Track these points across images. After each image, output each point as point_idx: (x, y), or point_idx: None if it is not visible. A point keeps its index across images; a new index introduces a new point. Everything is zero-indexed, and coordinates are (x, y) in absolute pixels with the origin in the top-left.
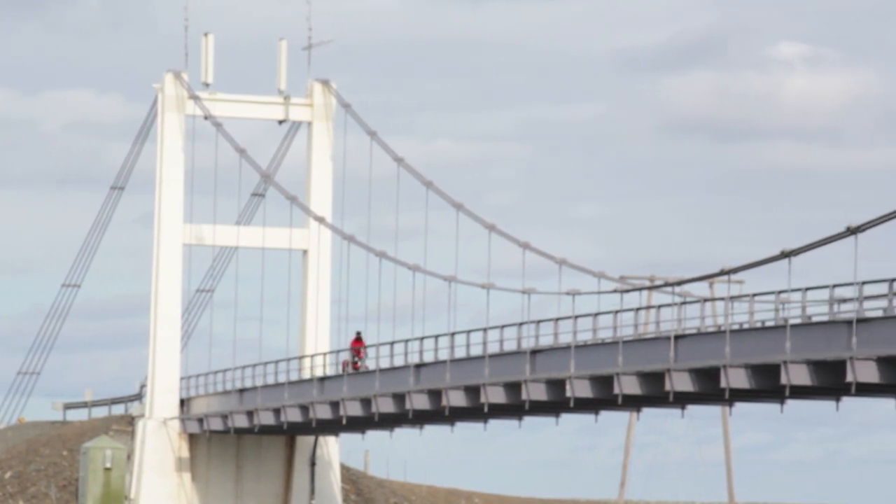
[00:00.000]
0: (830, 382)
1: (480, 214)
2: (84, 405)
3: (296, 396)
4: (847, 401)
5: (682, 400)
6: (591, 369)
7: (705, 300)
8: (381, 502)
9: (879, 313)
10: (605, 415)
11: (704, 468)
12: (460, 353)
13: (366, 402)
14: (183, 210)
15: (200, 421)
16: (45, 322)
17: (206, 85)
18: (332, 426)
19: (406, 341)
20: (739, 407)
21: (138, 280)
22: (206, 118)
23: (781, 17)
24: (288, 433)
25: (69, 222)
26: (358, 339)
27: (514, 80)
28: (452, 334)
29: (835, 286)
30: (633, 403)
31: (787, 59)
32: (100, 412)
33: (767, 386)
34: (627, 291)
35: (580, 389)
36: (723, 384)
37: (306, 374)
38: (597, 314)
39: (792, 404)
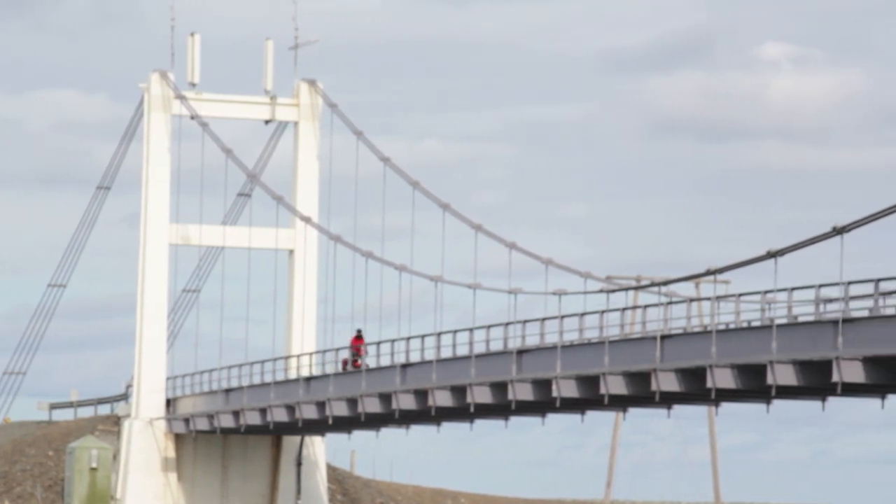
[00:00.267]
0: (816, 382)
1: (467, 214)
2: (70, 405)
3: (282, 396)
4: (833, 401)
5: (668, 400)
6: (578, 369)
7: (691, 300)
8: (367, 502)
9: (865, 313)
10: (592, 415)
11: (690, 468)
12: (447, 353)
13: (352, 402)
14: (169, 210)
15: (186, 421)
16: (31, 322)
17: (193, 85)
18: (319, 426)
19: (392, 341)
20: (725, 407)
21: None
22: (192, 118)
23: (768, 17)
24: (274, 433)
25: (55, 222)
26: (358, 338)
27: (501, 80)
28: (439, 334)
29: (821, 286)
30: (619, 403)
31: (773, 59)
32: (86, 412)
33: (753, 386)
34: (614, 291)
35: (566, 389)
36: (709, 384)
37: (292, 374)
38: (583, 314)
39: (778, 404)
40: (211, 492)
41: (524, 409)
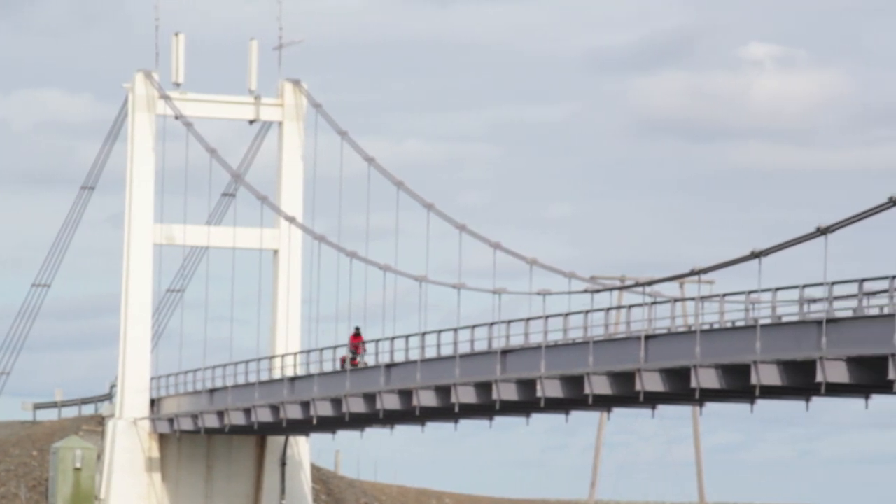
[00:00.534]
0: (800, 382)
1: (451, 214)
2: (54, 405)
3: (266, 396)
4: (817, 401)
5: (652, 400)
6: (562, 369)
7: (676, 300)
8: (351, 502)
9: (849, 313)
10: (576, 415)
11: (675, 468)
12: (431, 353)
13: (336, 402)
14: (153, 210)
15: (171, 421)
16: (15, 322)
17: (177, 85)
18: (303, 426)
19: (377, 341)
20: (710, 407)
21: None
22: (176, 118)
23: (752, 17)
24: (258, 433)
25: (39, 222)
26: (357, 335)
27: (486, 80)
28: (423, 334)
29: (805, 286)
30: (603, 403)
31: (757, 59)
32: (70, 412)
33: (738, 386)
34: (598, 291)
35: (551, 389)
36: (693, 384)
37: (277, 375)
38: (567, 314)
39: (762, 404)
40: (195, 492)
41: (508, 409)
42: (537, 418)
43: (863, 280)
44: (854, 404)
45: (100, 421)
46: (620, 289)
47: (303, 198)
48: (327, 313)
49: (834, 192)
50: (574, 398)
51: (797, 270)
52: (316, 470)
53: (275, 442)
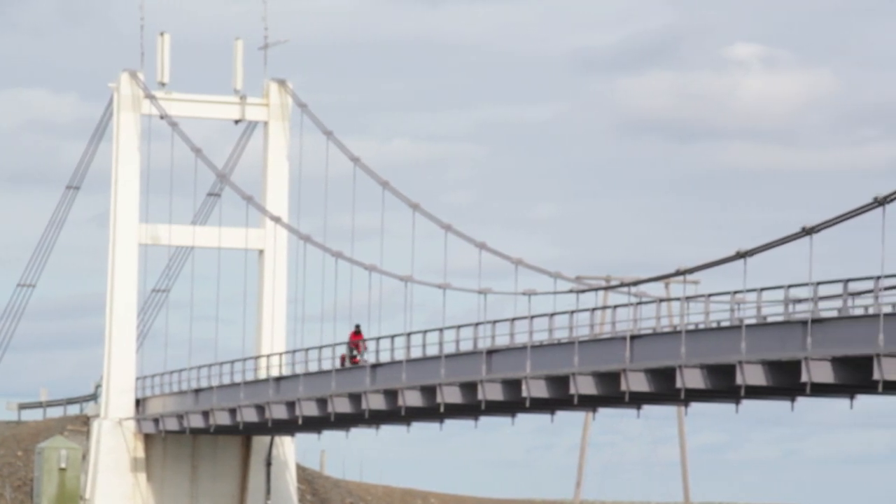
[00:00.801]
0: (785, 382)
1: (437, 214)
2: (39, 405)
3: (252, 396)
4: (802, 401)
5: (637, 400)
6: (547, 369)
7: (661, 300)
8: (336, 502)
9: (834, 314)
10: (561, 415)
11: (660, 468)
12: (416, 353)
13: (322, 402)
14: (139, 210)
15: (156, 421)
16: (0, 322)
17: (162, 84)
18: (288, 426)
19: (363, 341)
20: (695, 407)
21: (94, 280)
22: (161, 118)
23: (737, 18)
24: (244, 433)
25: (24, 222)
26: (357, 333)
27: (471, 80)
28: (408, 334)
29: (790, 286)
30: (588, 403)
31: (743, 59)
32: (55, 412)
33: (723, 386)
34: (583, 291)
35: (536, 389)
36: (678, 384)
37: (262, 375)
38: (553, 314)
39: (747, 404)
40: (180, 492)
41: (494, 409)
42: (523, 418)
43: (848, 280)
44: (839, 404)
45: (85, 421)
46: (606, 289)
47: (288, 198)
48: (313, 313)
49: (819, 193)
50: (559, 398)
51: (782, 270)
52: (301, 470)
53: (260, 442)
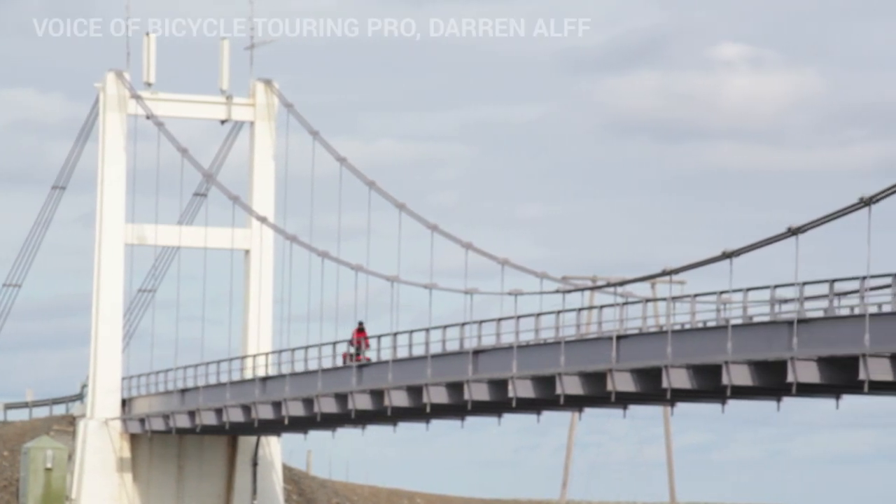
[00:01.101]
0: (771, 383)
1: (423, 214)
2: (25, 405)
3: (238, 396)
4: (788, 401)
5: (623, 400)
6: (534, 369)
7: (647, 300)
8: (323, 502)
9: (820, 314)
10: (548, 415)
11: (646, 468)
12: (403, 353)
13: (308, 402)
14: (125, 210)
15: (142, 421)
16: None
17: (148, 84)
18: (275, 426)
19: (348, 341)
20: (681, 407)
21: (80, 280)
22: (147, 118)
23: (724, 18)
24: (230, 433)
25: (10, 221)
26: (360, 330)
27: (458, 80)
28: (395, 334)
29: (776, 287)
30: (575, 403)
31: (729, 59)
32: (41, 412)
33: (709, 386)
34: (569, 292)
35: (522, 389)
36: (664, 384)
37: (248, 375)
38: (539, 314)
39: (733, 404)
40: (166, 492)
41: (480, 409)
42: (509, 418)
43: (834, 280)
44: (825, 404)
45: (71, 421)
46: (592, 289)
47: (274, 198)
48: (299, 313)
49: (805, 193)
50: (546, 398)
51: (768, 271)
52: (287, 470)
53: (246, 442)
